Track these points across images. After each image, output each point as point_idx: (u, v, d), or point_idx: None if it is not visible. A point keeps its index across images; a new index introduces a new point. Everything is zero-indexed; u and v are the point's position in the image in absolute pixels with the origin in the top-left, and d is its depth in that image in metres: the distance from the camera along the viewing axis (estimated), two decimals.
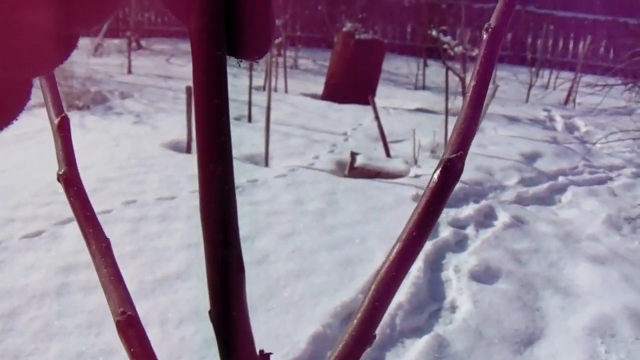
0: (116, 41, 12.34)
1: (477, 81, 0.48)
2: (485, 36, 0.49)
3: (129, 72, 9.94)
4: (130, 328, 0.50)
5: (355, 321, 0.47)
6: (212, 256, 0.38)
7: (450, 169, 0.47)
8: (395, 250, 0.47)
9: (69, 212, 4.15)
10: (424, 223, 0.48)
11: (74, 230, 3.81)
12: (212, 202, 0.38)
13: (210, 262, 0.38)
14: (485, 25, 0.51)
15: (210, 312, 0.40)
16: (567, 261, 4.14)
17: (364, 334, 0.47)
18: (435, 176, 0.47)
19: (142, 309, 3.03)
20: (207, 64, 0.36)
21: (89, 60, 8.95)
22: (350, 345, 0.47)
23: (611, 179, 6.34)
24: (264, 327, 2.95)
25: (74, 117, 6.53)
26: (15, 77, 0.32)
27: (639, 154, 7.40)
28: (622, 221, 5.02)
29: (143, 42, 13.52)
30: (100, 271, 0.53)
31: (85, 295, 3.13)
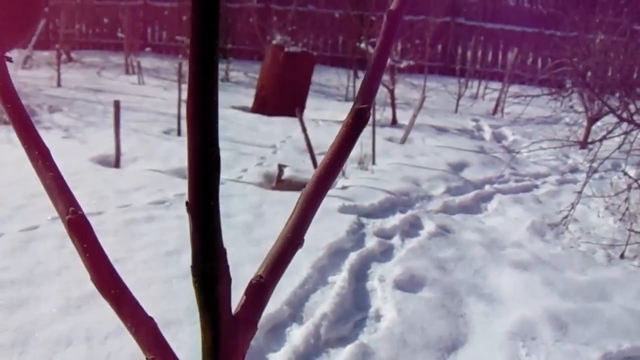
0: (46, 53, 12.18)
1: (379, 52, 0.58)
2: (385, 19, 0.59)
3: (59, 85, 9.82)
4: (81, 226, 0.53)
5: (289, 225, 0.59)
6: (199, 156, 0.43)
7: (360, 116, 0.58)
8: (316, 173, 0.59)
9: None
10: (338, 156, 0.59)
11: None
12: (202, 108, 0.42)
13: (196, 163, 0.42)
14: (387, 10, 0.59)
15: (187, 203, 0.45)
16: (492, 268, 4.22)
17: (296, 236, 0.59)
18: (349, 119, 0.58)
19: (68, 325, 3.01)
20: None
21: (17, 73, 8.83)
22: (285, 245, 0.59)
23: (536, 186, 6.48)
24: (188, 341, 2.95)
25: (2, 132, 6.43)
26: None
27: (564, 162, 7.57)
28: (545, 227, 5.14)
29: (73, 55, 13.38)
30: (44, 174, 0.55)
31: (10, 314, 3.09)
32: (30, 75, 10.42)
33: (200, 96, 0.41)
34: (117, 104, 5.60)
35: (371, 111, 0.58)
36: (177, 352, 2.23)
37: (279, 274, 0.57)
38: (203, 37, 0.40)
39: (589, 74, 8.32)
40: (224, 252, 0.49)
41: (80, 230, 0.52)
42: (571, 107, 9.15)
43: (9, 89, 0.53)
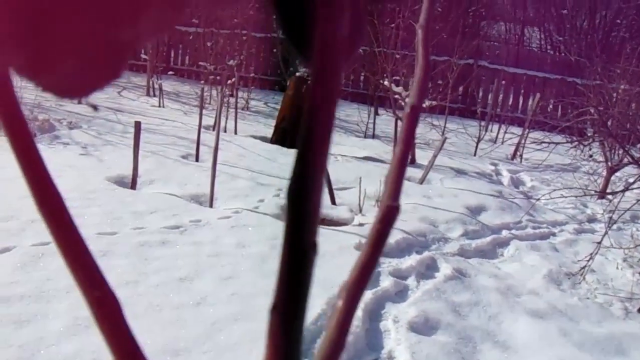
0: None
1: (403, 146, 0.54)
2: (407, 111, 0.56)
3: (79, 102, 9.83)
4: (111, 307, 0.46)
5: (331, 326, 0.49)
6: (297, 255, 0.36)
7: (391, 215, 0.51)
8: (352, 275, 0.51)
9: (4, 242, 4.07)
10: (372, 256, 0.52)
11: (8, 260, 3.73)
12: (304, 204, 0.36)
13: (292, 261, 0.36)
14: (407, 101, 0.58)
15: (274, 307, 0.37)
16: (507, 315, 4.15)
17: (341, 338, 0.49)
18: (379, 219, 0.52)
19: (75, 345, 2.97)
20: None
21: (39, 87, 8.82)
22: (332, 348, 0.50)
23: (554, 234, 6.41)
24: None
25: None
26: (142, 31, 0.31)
27: (582, 211, 7.50)
28: (562, 276, 5.07)
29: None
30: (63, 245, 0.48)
31: (17, 329, 3.06)
32: None
33: (303, 191, 0.35)
34: (138, 125, 5.59)
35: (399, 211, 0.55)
36: None
37: None
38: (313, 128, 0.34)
39: (610, 122, 8.28)
40: None
41: (108, 311, 0.45)
42: (591, 156, 9.10)
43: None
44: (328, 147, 0.33)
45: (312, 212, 0.33)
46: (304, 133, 0.33)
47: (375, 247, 0.53)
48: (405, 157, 0.55)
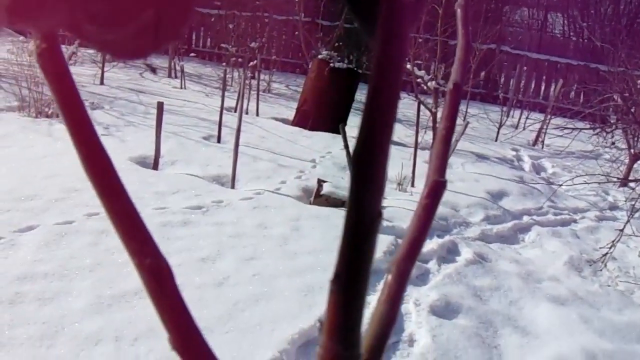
0: (91, 51, 12.21)
1: (447, 122, 0.55)
2: (450, 89, 0.57)
3: (102, 83, 9.86)
4: (162, 274, 0.45)
5: (383, 300, 0.48)
6: (362, 224, 0.35)
7: (439, 189, 0.51)
8: (402, 249, 0.51)
9: (28, 221, 4.10)
10: (422, 229, 0.51)
11: (33, 238, 3.76)
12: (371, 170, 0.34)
13: (357, 230, 0.35)
14: (451, 82, 0.57)
15: (337, 276, 0.36)
16: (528, 300, 4.14)
17: (393, 310, 0.48)
18: (426, 193, 0.52)
19: (98, 323, 2.99)
20: None
21: None
22: (383, 321, 0.48)
23: (575, 221, 6.39)
24: (219, 350, 2.90)
25: (42, 125, 6.46)
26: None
27: (603, 198, 7.46)
28: (583, 263, 5.05)
29: None
30: (111, 201, 0.45)
31: (40, 306, 3.08)
32: (75, 71, 10.43)
33: (370, 157, 0.33)
34: (160, 106, 5.59)
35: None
36: None
37: (380, 353, 0.51)
38: (381, 93, 0.34)
39: (634, 110, 8.21)
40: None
41: (160, 278, 0.43)
42: (613, 143, 9.05)
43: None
44: (395, 111, 0.32)
45: (378, 179, 0.33)
46: (369, 97, 0.33)
47: (424, 222, 0.53)
48: (450, 133, 0.55)
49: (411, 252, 0.52)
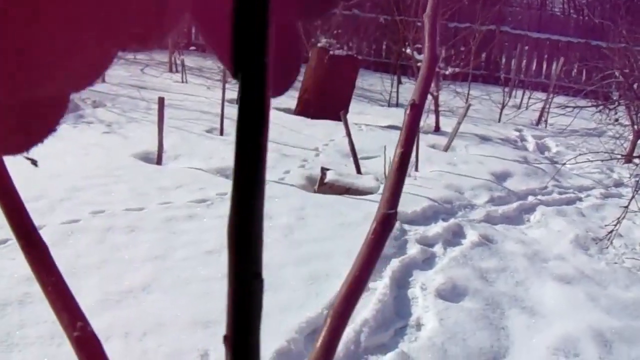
0: None
1: (403, 148, 0.54)
2: (408, 111, 0.57)
3: (103, 80, 9.84)
4: (91, 344, 0.47)
5: (318, 345, 0.54)
6: (242, 289, 0.37)
7: (388, 222, 0.56)
8: (344, 288, 0.51)
9: (35, 221, 4.11)
10: (366, 267, 0.52)
11: None
12: (245, 235, 0.36)
13: (237, 292, 0.36)
14: (410, 101, 0.58)
15: (225, 337, 0.38)
16: (534, 280, 4.15)
17: (329, 354, 0.54)
18: (375, 226, 0.53)
19: (106, 320, 3.01)
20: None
21: None
22: None
23: (580, 199, 6.39)
24: None
25: None
26: (56, 92, 0.32)
27: (608, 175, 7.46)
28: (589, 241, 5.05)
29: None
30: (44, 279, 0.49)
31: (49, 306, 3.10)
32: None
33: (243, 223, 0.34)
34: (161, 101, 5.60)
35: (396, 217, 0.55)
36: (216, 352, 2.20)
37: None
38: (247, 156, 0.34)
39: (636, 85, 8.20)
40: None
41: (90, 350, 0.45)
42: (616, 120, 9.03)
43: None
44: (263, 174, 0.33)
45: (254, 243, 0.34)
46: (238, 164, 0.33)
47: (368, 259, 0.52)
48: (405, 160, 0.54)
49: (351, 293, 0.52)
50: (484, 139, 8.51)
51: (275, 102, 9.38)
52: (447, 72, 9.23)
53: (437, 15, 0.57)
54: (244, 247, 0.34)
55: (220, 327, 3.04)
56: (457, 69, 9.49)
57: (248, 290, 0.35)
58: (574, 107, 8.70)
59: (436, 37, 0.59)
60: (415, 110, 0.55)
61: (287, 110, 9.06)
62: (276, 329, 3.09)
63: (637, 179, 5.52)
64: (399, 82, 11.48)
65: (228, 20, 0.27)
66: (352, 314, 0.52)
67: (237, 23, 0.26)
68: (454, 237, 4.77)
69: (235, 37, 0.26)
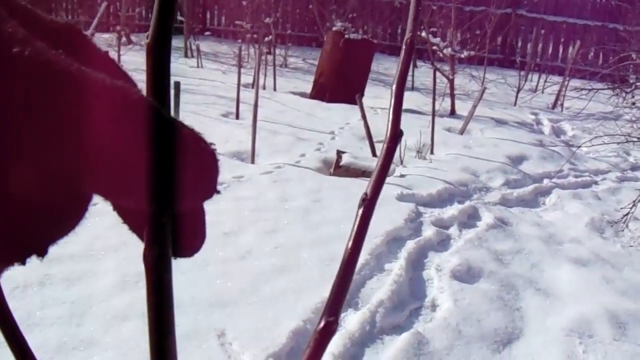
0: (106, 35, 12.22)
1: (352, 248, 0.54)
2: (360, 208, 0.55)
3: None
4: None
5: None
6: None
7: (328, 329, 0.54)
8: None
9: None
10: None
11: None
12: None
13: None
14: (362, 195, 0.57)
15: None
16: (549, 263, 4.16)
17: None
18: (316, 334, 0.54)
19: (125, 300, 3.04)
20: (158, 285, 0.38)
21: None
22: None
23: (596, 182, 6.38)
24: (244, 321, 2.96)
25: None
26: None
27: (624, 159, 7.44)
28: (605, 224, 5.05)
29: (133, 37, 13.41)
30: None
31: (68, 287, 3.13)
32: None
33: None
34: (177, 86, 5.62)
35: (337, 324, 0.56)
36: (233, 332, 2.24)
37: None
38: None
39: None
40: None
41: None
42: (633, 103, 8.98)
43: None
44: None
45: None
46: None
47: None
48: (355, 256, 0.55)
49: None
50: (500, 122, 8.49)
51: (290, 86, 9.40)
52: (462, 56, 9.20)
53: (403, 86, 0.57)
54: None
55: (237, 308, 3.07)
56: (472, 53, 9.46)
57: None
58: (590, 89, 8.65)
59: (400, 112, 0.58)
60: (368, 205, 0.55)
61: (303, 95, 9.08)
62: (292, 309, 3.12)
63: None
64: (414, 66, 11.46)
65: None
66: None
67: None
68: (469, 219, 4.78)
69: None
